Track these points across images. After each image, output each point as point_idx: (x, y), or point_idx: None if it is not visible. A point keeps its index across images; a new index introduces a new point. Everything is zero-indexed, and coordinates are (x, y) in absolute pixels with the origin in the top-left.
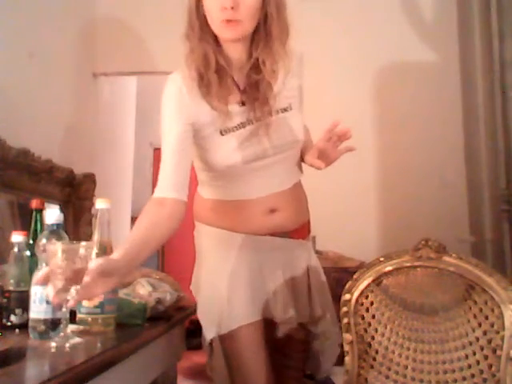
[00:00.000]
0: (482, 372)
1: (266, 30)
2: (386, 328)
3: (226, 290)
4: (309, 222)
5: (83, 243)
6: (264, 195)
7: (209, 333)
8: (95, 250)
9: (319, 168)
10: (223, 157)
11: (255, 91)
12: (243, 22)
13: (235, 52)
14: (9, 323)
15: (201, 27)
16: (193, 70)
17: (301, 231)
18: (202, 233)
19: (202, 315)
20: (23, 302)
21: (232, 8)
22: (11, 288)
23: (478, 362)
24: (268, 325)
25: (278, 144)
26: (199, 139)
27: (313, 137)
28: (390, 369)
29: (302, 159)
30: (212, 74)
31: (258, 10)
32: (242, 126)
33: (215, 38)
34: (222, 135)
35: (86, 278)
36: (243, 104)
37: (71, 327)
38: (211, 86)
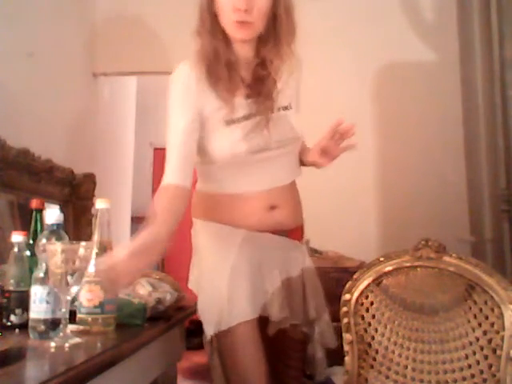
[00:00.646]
0: (482, 372)
1: (274, 31)
2: (385, 328)
3: (227, 287)
4: (303, 226)
5: (83, 243)
6: (266, 188)
7: (209, 330)
8: (95, 250)
9: (322, 165)
10: (228, 146)
11: (260, 86)
12: (255, 24)
13: (243, 50)
14: (9, 323)
15: (212, 24)
16: (202, 64)
17: (296, 233)
18: (202, 229)
19: (202, 312)
20: (23, 302)
21: (245, 10)
22: (11, 288)
23: (478, 362)
24: (266, 324)
25: (279, 138)
26: (204, 130)
27: (313, 137)
28: (390, 369)
29: (300, 162)
30: (221, 68)
31: (268, 12)
32: (247, 117)
33: (225, 35)
34: (228, 126)
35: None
36: (248, 97)
37: (71, 327)
38: (220, 79)
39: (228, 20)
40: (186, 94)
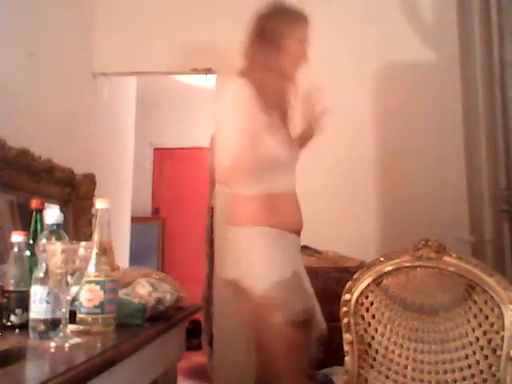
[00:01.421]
0: (482, 372)
1: None
2: (385, 328)
3: (288, 281)
4: None
5: (83, 243)
6: (293, 190)
7: (278, 317)
8: (95, 250)
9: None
10: (272, 149)
11: (282, 107)
12: None
13: (275, 79)
14: (9, 323)
15: (262, 56)
16: (251, 86)
17: None
18: (253, 234)
19: (270, 300)
20: (23, 302)
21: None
22: (11, 288)
23: (478, 362)
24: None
25: (296, 149)
26: (253, 134)
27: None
28: (390, 369)
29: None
30: (264, 91)
31: None
32: (281, 128)
33: (268, 65)
34: (269, 134)
35: None
36: (279, 117)
37: (71, 327)
38: (264, 99)
39: (292, 62)
40: (243, 105)
